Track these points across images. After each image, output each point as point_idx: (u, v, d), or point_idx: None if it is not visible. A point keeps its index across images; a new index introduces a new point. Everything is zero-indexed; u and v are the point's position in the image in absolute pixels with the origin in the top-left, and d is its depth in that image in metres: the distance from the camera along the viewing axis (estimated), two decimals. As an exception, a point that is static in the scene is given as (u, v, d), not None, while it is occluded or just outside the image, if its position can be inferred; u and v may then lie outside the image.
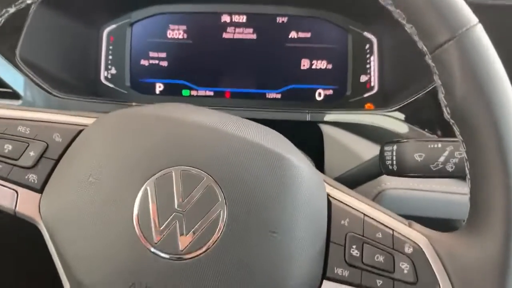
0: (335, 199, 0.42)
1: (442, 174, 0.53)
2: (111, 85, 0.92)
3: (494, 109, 0.35)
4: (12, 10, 0.44)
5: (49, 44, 0.83)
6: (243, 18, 0.89)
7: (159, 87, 0.92)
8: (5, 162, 0.42)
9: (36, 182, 0.42)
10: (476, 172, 0.38)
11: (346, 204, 0.42)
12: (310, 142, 0.79)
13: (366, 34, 0.88)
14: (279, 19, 0.89)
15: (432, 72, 0.39)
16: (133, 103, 0.78)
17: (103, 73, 0.91)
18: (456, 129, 0.38)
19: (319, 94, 0.90)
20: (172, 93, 0.92)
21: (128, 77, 0.92)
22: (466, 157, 0.38)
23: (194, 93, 0.92)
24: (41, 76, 0.77)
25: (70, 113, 0.47)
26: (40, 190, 0.42)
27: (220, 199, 0.37)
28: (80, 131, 0.44)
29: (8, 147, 0.43)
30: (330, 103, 0.90)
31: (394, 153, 0.55)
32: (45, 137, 0.44)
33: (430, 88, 0.70)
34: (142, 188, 0.38)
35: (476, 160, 0.38)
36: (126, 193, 0.38)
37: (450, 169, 0.52)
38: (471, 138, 0.37)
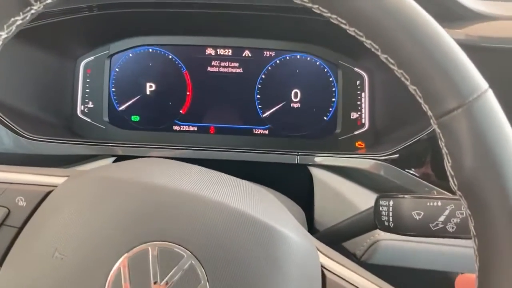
0: (330, 271, 0.39)
1: (442, 234, 0.49)
2: (88, 120, 0.87)
3: (508, 185, 0.32)
4: None
5: (20, 78, 0.78)
6: (228, 52, 0.85)
7: (139, 122, 0.87)
8: (-43, 232, 0.37)
9: (-7, 255, 0.37)
10: (486, 251, 0.34)
11: (342, 278, 0.38)
12: (299, 184, 0.75)
13: (357, 69, 0.84)
14: (266, 53, 0.86)
15: (437, 138, 0.36)
16: (110, 144, 0.73)
17: (79, 107, 0.86)
18: (463, 201, 0.35)
19: (308, 130, 0.86)
20: (154, 128, 0.87)
21: (106, 111, 0.87)
22: (474, 232, 0.35)
23: (176, 128, 0.87)
24: (10, 115, 0.71)
25: (37, 171, 0.42)
26: None
27: (202, 281, 0.33)
28: (48, 193, 0.39)
29: (-38, 214, 0.38)
30: (318, 140, 0.86)
31: (391, 209, 0.51)
32: (7, 202, 0.39)
33: (425, 133, 0.67)
34: (114, 267, 0.33)
35: (485, 238, 0.34)
36: (95, 273, 0.33)
37: (451, 230, 0.49)
38: (481, 214, 0.34)
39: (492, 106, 0.33)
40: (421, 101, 0.35)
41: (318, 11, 0.35)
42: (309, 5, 0.35)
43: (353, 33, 0.35)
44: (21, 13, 0.35)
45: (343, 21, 0.35)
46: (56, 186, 0.40)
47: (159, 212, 0.35)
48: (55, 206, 0.38)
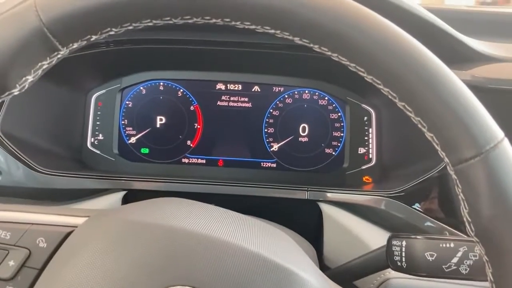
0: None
1: (455, 276, 0.49)
2: (97, 152, 0.87)
3: None
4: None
5: (32, 111, 0.79)
6: (238, 87, 0.87)
7: (148, 154, 0.88)
8: (-21, 274, 0.38)
9: (15, 296, 0.37)
10: None
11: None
12: (307, 219, 0.75)
13: (364, 106, 0.86)
14: (275, 89, 0.87)
15: (454, 184, 0.36)
16: (123, 178, 0.74)
17: (89, 140, 0.87)
18: (480, 248, 0.35)
19: (315, 165, 0.87)
20: (163, 161, 0.88)
21: (116, 144, 0.88)
22: (492, 279, 0.35)
23: (185, 160, 0.88)
24: (22, 147, 0.72)
25: (57, 211, 0.43)
26: None
27: None
28: (68, 234, 0.40)
29: (-16, 256, 0.38)
30: (326, 174, 0.86)
31: (403, 250, 0.51)
32: (28, 243, 0.40)
33: (434, 172, 0.68)
34: None
35: (504, 285, 0.34)
36: None
37: (464, 272, 0.49)
38: (499, 261, 0.34)
39: (508, 155, 0.33)
40: (438, 148, 0.36)
41: (337, 59, 0.36)
42: (328, 53, 0.36)
43: (370, 80, 0.36)
44: (48, 58, 0.35)
45: (362, 70, 0.36)
46: (76, 227, 0.40)
47: (180, 256, 0.35)
48: (74, 247, 0.38)
